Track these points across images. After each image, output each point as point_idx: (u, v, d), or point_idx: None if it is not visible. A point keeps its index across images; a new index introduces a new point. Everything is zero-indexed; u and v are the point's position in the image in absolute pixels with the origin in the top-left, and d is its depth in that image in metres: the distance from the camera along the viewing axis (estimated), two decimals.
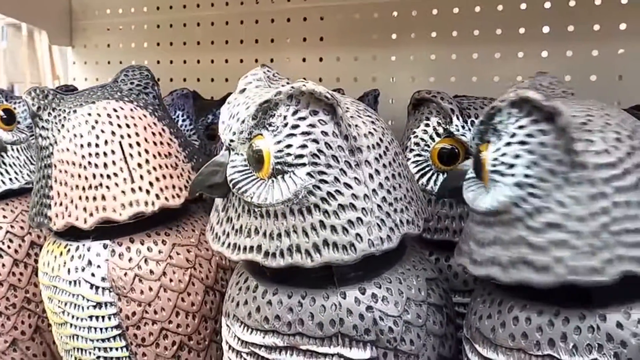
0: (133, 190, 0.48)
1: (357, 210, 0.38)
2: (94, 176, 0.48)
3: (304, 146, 0.38)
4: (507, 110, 0.36)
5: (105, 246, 0.50)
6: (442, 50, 0.82)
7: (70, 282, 0.50)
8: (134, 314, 0.50)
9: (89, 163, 0.48)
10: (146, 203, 0.49)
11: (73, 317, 0.51)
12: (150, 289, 0.50)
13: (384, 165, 0.40)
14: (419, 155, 0.52)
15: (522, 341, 0.36)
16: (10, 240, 0.60)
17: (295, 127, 0.38)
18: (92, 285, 0.50)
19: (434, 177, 0.51)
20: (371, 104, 0.71)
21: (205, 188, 0.42)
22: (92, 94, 0.52)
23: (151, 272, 0.50)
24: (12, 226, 0.61)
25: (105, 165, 0.48)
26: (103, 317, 0.50)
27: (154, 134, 0.51)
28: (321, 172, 0.38)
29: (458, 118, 0.50)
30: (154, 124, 0.51)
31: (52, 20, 1.13)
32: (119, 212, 0.48)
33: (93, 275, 0.50)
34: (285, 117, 0.38)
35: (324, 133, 0.38)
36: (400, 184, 0.41)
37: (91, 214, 0.48)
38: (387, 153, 0.41)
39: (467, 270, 0.38)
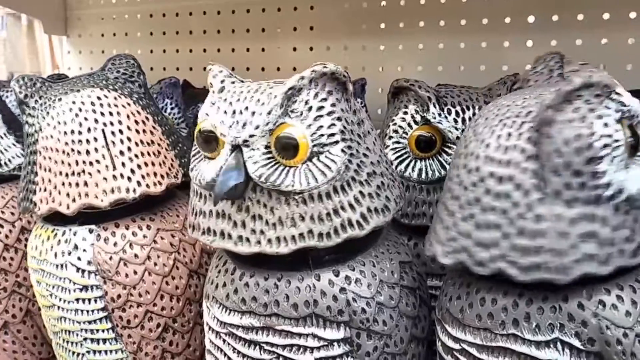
0: (115, 177, 0.49)
1: (379, 176, 0.41)
2: (77, 163, 0.49)
3: (332, 125, 0.39)
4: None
5: (91, 231, 0.51)
6: (429, 40, 0.82)
7: (57, 266, 0.51)
8: (119, 296, 0.51)
9: (72, 150, 0.49)
10: (127, 190, 0.50)
11: (60, 299, 0.52)
12: (135, 272, 0.51)
13: (375, 139, 0.43)
14: (397, 142, 0.53)
15: (488, 321, 0.37)
16: (1, 226, 0.61)
17: (320, 108, 0.39)
18: (78, 269, 0.51)
19: (411, 164, 0.52)
20: (358, 93, 0.72)
21: (226, 194, 0.39)
22: (79, 82, 0.53)
23: (136, 256, 0.51)
24: (2, 212, 0.62)
25: (87, 152, 0.49)
26: (89, 299, 0.51)
27: (137, 122, 0.52)
28: (349, 147, 0.40)
29: (435, 106, 0.51)
30: (138, 112, 0.52)
31: (47, 9, 1.13)
32: (100, 198, 0.49)
33: (79, 259, 0.51)
34: (307, 102, 0.39)
35: (343, 110, 0.40)
36: (386, 160, 0.44)
37: (74, 200, 0.49)
38: (372, 129, 0.44)
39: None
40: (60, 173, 0.49)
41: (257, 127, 0.39)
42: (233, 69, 0.96)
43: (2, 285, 0.61)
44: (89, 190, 0.49)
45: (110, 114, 0.50)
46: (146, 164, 0.51)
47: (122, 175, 0.50)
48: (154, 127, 0.53)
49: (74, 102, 0.50)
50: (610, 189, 0.34)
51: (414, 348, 0.44)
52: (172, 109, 0.74)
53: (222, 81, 0.42)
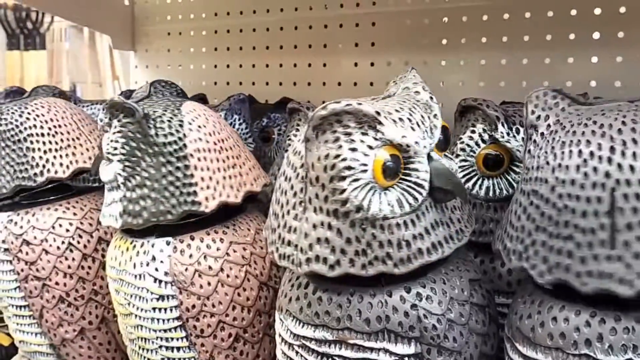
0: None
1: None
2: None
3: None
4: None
5: (168, 243, 0.54)
6: (492, 56, 0.83)
7: (135, 276, 0.54)
8: (193, 306, 0.53)
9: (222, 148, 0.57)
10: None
11: (138, 308, 0.54)
12: (209, 283, 0.53)
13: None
14: (465, 160, 0.54)
15: (560, 340, 0.38)
16: (80, 236, 0.64)
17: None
18: (155, 279, 0.53)
19: (479, 182, 0.53)
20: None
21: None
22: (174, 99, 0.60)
23: (210, 267, 0.53)
24: (81, 222, 0.65)
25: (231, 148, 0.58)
26: (165, 309, 0.54)
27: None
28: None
29: (503, 125, 0.52)
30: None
31: (116, 25, 1.18)
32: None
33: (157, 269, 0.53)
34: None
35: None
36: None
37: (238, 190, 0.56)
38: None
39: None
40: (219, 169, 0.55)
41: None
42: (295, 84, 0.99)
43: (80, 293, 0.64)
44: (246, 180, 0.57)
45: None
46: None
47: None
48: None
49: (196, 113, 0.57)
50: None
51: None
52: (240, 124, 0.76)
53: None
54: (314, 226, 0.41)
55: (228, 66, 1.09)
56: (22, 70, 3.30)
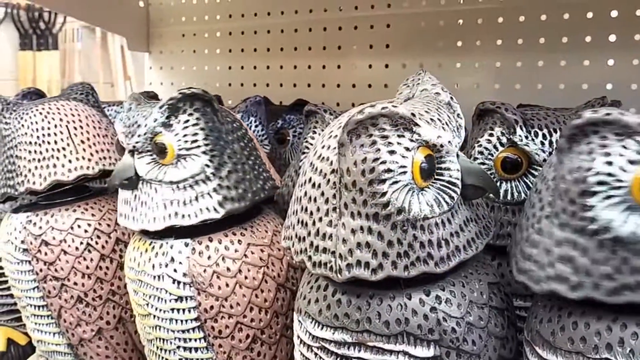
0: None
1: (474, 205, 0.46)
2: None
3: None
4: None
5: (186, 244, 0.54)
6: (507, 58, 0.83)
7: (154, 277, 0.54)
8: (211, 307, 0.54)
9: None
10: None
11: (156, 309, 0.55)
12: (227, 285, 0.54)
13: None
14: (483, 163, 0.54)
15: (580, 345, 0.38)
16: (98, 237, 0.65)
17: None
18: (174, 280, 0.54)
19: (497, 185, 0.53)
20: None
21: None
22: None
23: (228, 269, 0.54)
24: (99, 224, 0.65)
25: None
26: (184, 309, 0.54)
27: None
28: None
29: (522, 129, 0.52)
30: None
31: (131, 27, 1.19)
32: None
33: (175, 271, 0.54)
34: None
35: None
36: None
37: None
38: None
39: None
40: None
41: None
42: (309, 85, 1.00)
43: (98, 293, 0.65)
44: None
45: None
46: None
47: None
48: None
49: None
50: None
51: None
52: (256, 126, 0.77)
53: None
54: (353, 231, 0.40)
55: (242, 67, 1.09)
56: (35, 70, 3.32)
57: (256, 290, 0.55)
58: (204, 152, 0.54)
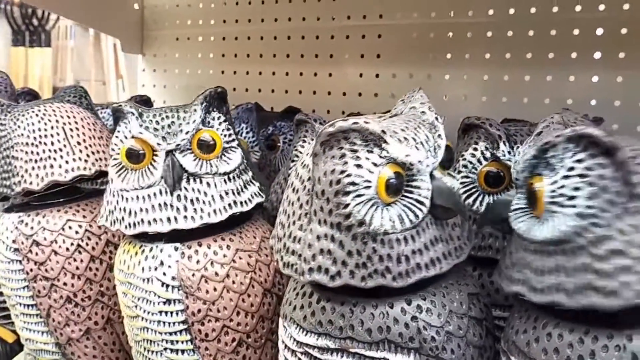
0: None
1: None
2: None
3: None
4: (562, 145, 0.39)
5: (176, 248, 0.55)
6: (494, 72, 0.84)
7: (143, 280, 0.55)
8: (199, 311, 0.55)
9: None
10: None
11: (145, 311, 0.56)
12: (215, 289, 0.55)
13: None
14: (467, 177, 0.55)
15: (554, 356, 0.39)
16: (89, 238, 0.66)
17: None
18: (163, 284, 0.55)
19: (479, 198, 0.55)
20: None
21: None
22: None
23: (216, 274, 0.55)
24: (90, 225, 0.66)
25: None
26: (171, 312, 0.55)
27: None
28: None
29: (505, 144, 0.53)
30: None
31: (125, 29, 1.20)
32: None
33: (164, 274, 0.55)
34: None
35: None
36: None
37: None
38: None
39: (524, 298, 0.41)
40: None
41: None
42: (300, 92, 1.01)
43: (87, 294, 0.66)
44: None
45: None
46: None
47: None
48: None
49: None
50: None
51: None
52: (247, 133, 0.78)
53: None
54: (318, 237, 0.42)
55: (235, 72, 1.10)
56: (27, 67, 3.31)
57: (243, 294, 0.56)
58: (238, 145, 0.58)
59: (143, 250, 0.56)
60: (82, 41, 3.58)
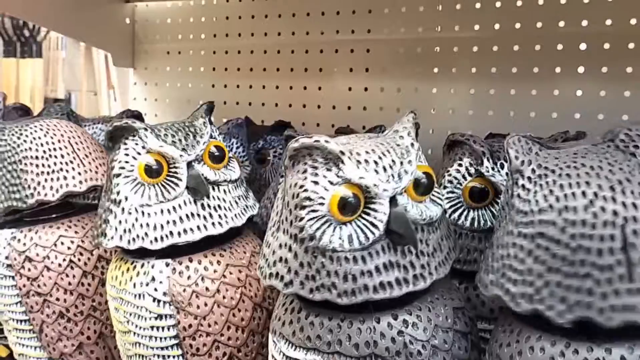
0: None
1: (439, 229, 0.48)
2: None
3: None
4: None
5: (167, 264, 0.56)
6: (481, 85, 0.86)
7: (135, 295, 0.56)
8: (190, 326, 0.56)
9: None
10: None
11: (136, 326, 0.57)
12: (206, 304, 0.56)
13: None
14: (452, 192, 0.56)
15: None
16: (81, 254, 0.67)
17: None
18: (154, 299, 0.56)
19: (464, 213, 0.56)
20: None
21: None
22: None
23: (207, 289, 0.56)
24: (82, 241, 0.67)
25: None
26: (163, 327, 0.56)
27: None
28: None
29: (489, 160, 0.55)
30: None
31: (116, 43, 1.21)
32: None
33: (156, 290, 0.56)
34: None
35: None
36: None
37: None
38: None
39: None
40: None
41: None
42: (290, 105, 1.02)
43: (80, 309, 0.66)
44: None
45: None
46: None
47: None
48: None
49: None
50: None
51: None
52: (237, 148, 0.79)
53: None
54: (280, 245, 0.45)
55: (225, 86, 1.11)
56: (18, 77, 3.31)
57: (234, 309, 0.57)
58: (233, 157, 0.63)
59: (135, 266, 0.57)
60: (74, 52, 3.57)
